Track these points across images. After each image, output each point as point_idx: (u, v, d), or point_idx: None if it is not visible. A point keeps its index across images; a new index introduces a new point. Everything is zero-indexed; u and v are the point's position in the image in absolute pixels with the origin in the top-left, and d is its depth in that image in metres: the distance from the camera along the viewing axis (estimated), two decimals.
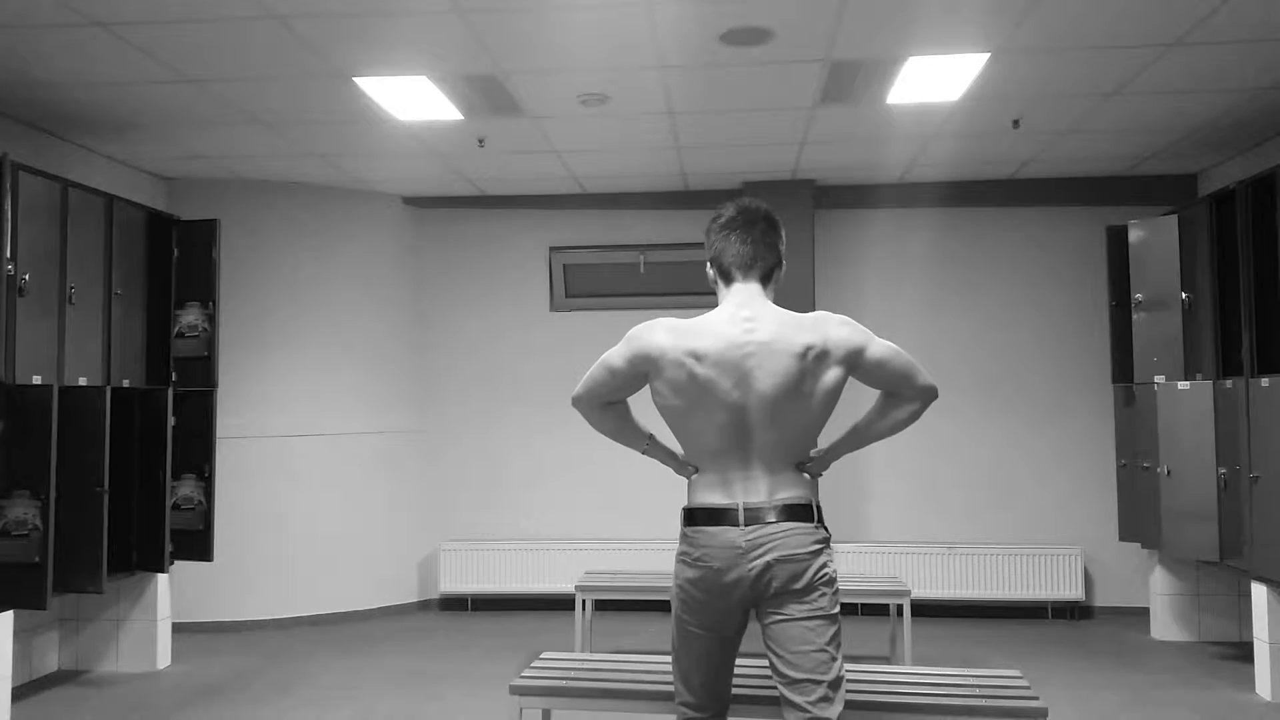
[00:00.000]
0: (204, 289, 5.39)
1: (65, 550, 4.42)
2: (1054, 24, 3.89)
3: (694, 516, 2.40)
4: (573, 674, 3.21)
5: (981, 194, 6.61)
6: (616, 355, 2.47)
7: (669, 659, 2.55)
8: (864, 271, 6.73)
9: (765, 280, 2.47)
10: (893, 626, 5.05)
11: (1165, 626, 5.85)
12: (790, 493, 2.36)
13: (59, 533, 4.35)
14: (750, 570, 2.31)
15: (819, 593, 2.32)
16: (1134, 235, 5.64)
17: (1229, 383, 4.97)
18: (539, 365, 6.88)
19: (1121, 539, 6.03)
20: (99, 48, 4.05)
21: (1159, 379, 5.42)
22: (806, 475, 2.44)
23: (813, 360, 2.33)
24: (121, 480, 4.99)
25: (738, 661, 2.56)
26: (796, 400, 2.33)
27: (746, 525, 2.32)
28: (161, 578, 5.31)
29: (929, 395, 2.45)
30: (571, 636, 5.53)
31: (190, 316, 5.39)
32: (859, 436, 2.52)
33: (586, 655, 3.50)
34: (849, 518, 6.58)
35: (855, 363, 2.37)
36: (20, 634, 4.87)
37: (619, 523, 6.77)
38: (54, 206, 4.54)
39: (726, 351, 2.33)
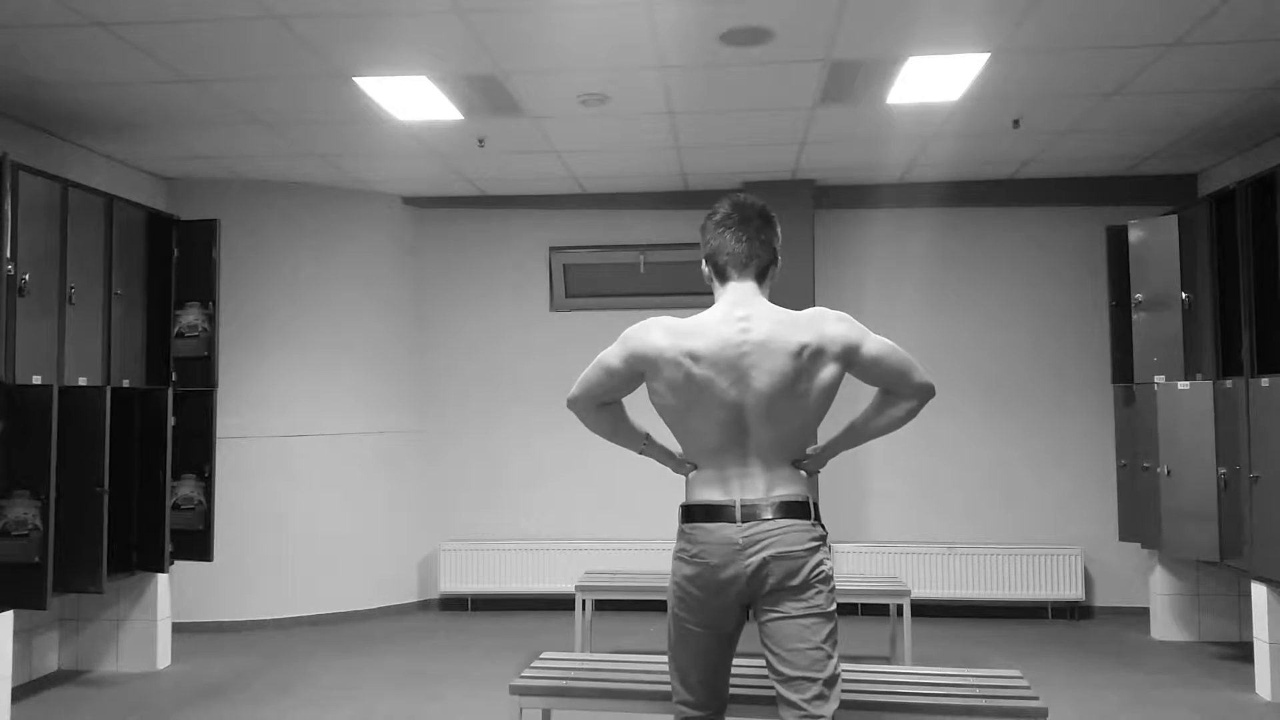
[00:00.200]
0: (204, 289, 5.39)
1: (65, 550, 4.42)
2: (1054, 24, 3.89)
3: (691, 513, 2.40)
4: (573, 674, 3.21)
5: (981, 194, 6.61)
6: (612, 356, 2.47)
7: (667, 662, 2.55)
8: (864, 271, 6.73)
9: (761, 278, 2.47)
10: (893, 626, 5.05)
11: (1165, 626, 5.85)
12: (787, 490, 2.37)
13: (59, 533, 4.35)
14: (747, 566, 2.31)
15: (815, 590, 2.32)
16: (1134, 235, 5.64)
17: (1229, 383, 4.97)
18: (539, 365, 6.88)
19: (1121, 539, 6.03)
20: (99, 48, 4.05)
21: (1159, 379, 5.42)
22: (803, 473, 2.44)
23: (808, 358, 2.33)
24: (121, 480, 4.98)
25: (735, 661, 2.56)
26: (793, 398, 2.33)
27: (743, 521, 2.33)
28: (161, 578, 5.31)
29: (926, 393, 2.45)
30: (571, 636, 5.53)
31: (190, 316, 5.39)
32: (856, 434, 2.52)
33: (586, 655, 3.50)
34: (849, 517, 6.58)
35: (851, 360, 2.38)
36: (20, 634, 4.87)
37: (618, 523, 6.77)
38: (54, 206, 4.54)
39: (722, 351, 2.33)
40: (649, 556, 6.44)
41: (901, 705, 2.86)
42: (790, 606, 2.32)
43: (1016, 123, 5.18)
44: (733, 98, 4.80)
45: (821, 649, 2.30)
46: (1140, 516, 5.70)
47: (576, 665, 3.33)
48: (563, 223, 6.93)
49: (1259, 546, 4.65)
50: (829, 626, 2.33)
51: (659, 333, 2.40)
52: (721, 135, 5.44)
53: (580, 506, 6.84)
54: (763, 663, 2.43)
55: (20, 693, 4.80)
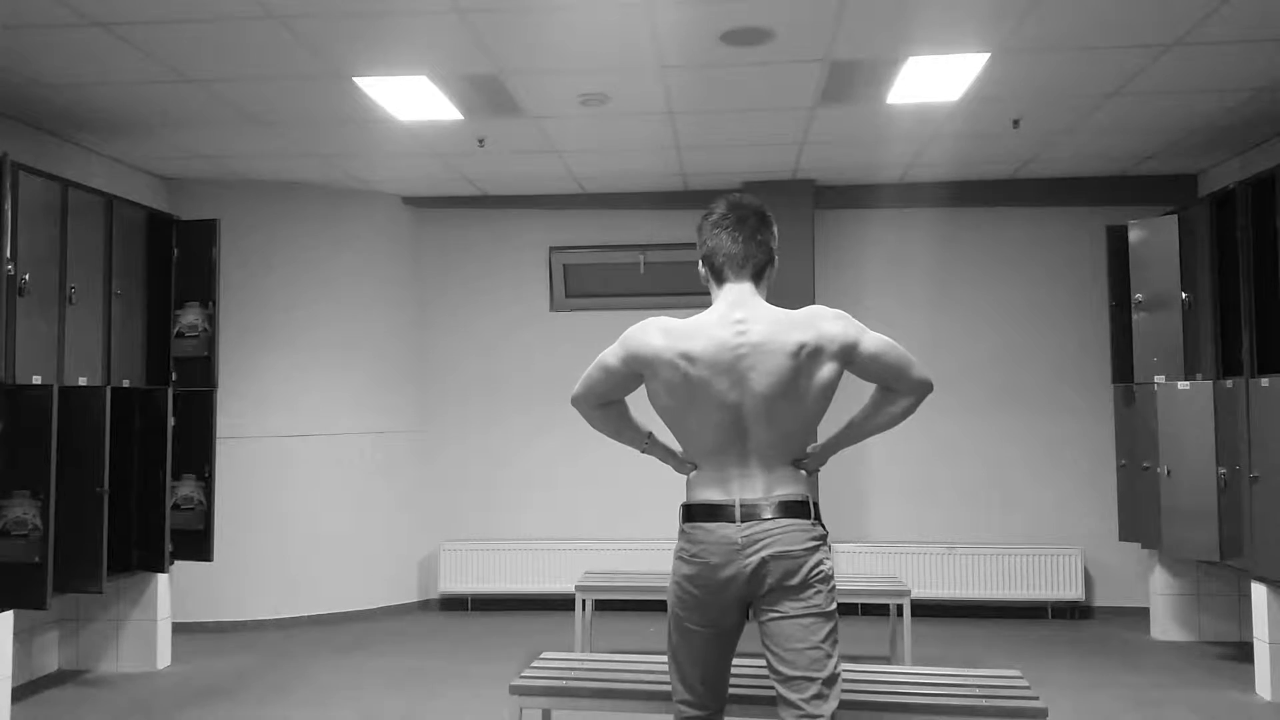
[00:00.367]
0: (204, 289, 5.39)
1: (65, 550, 4.42)
2: (1054, 24, 3.89)
3: (692, 513, 2.41)
4: (573, 674, 3.21)
5: (981, 194, 6.61)
6: (611, 355, 2.48)
7: (666, 662, 2.55)
8: (864, 271, 6.73)
9: (758, 278, 2.46)
10: (893, 626, 5.05)
11: (1165, 626, 5.85)
12: (787, 490, 2.37)
13: (59, 533, 4.35)
14: (746, 566, 2.32)
15: (814, 589, 2.33)
16: (1134, 235, 5.64)
17: (1229, 383, 4.97)
18: (539, 365, 6.88)
19: (1121, 539, 6.03)
20: (99, 48, 4.05)
21: (1159, 379, 5.42)
22: (803, 472, 2.44)
23: (806, 357, 2.33)
24: (121, 480, 4.99)
25: (735, 661, 2.56)
26: (791, 398, 2.33)
27: (743, 521, 2.33)
28: (161, 578, 5.31)
29: (924, 389, 2.45)
30: (571, 636, 5.53)
31: (190, 316, 5.39)
32: (855, 431, 2.53)
33: (586, 655, 3.50)
34: (849, 518, 6.58)
35: (849, 358, 2.38)
36: (20, 634, 4.87)
37: (619, 523, 6.77)
38: (54, 206, 4.54)
39: (719, 354, 2.33)
40: (649, 556, 6.44)
41: (901, 705, 2.86)
42: (789, 606, 2.32)
43: (1016, 123, 5.18)
44: (733, 98, 4.80)
45: (821, 648, 2.30)
46: (1140, 516, 5.71)
47: (576, 665, 3.33)
48: (563, 223, 6.93)
49: (1259, 546, 4.65)
50: (828, 626, 2.33)
51: (656, 334, 2.40)
52: (721, 135, 5.44)
53: (580, 506, 6.84)
54: (762, 663, 2.43)
55: (20, 693, 4.80)
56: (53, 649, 5.27)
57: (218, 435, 5.50)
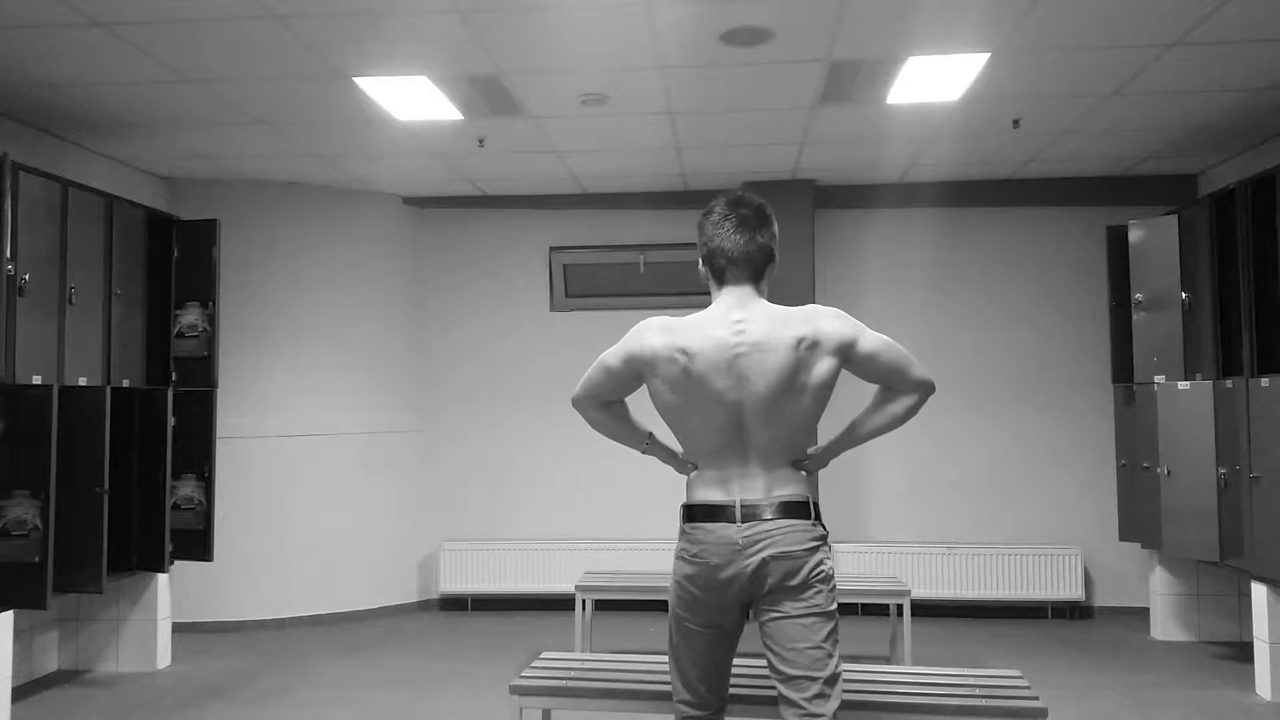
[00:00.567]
0: (204, 289, 5.39)
1: (65, 550, 4.42)
2: (1054, 24, 3.89)
3: (692, 513, 2.41)
4: (573, 674, 3.21)
5: (981, 194, 6.61)
6: (612, 355, 2.49)
7: (667, 662, 2.55)
8: (864, 271, 6.73)
9: (758, 277, 2.46)
10: (893, 626, 5.05)
11: (1165, 626, 5.85)
12: (787, 490, 2.37)
13: (59, 533, 4.35)
14: (746, 567, 2.32)
15: (815, 589, 2.33)
16: (1134, 235, 5.64)
17: (1229, 383, 4.97)
18: (539, 365, 6.88)
19: (1121, 539, 6.03)
20: (99, 48, 4.05)
21: (1159, 379, 5.42)
22: (804, 472, 2.44)
23: (805, 351, 2.33)
24: (121, 480, 4.99)
25: (735, 661, 2.56)
26: (791, 394, 2.33)
27: (743, 522, 2.33)
28: (161, 578, 5.32)
29: (926, 388, 2.45)
30: (571, 636, 5.53)
31: (190, 316, 5.39)
32: (856, 432, 2.52)
33: (586, 655, 3.50)
34: (849, 518, 6.58)
35: (848, 355, 2.38)
36: (20, 634, 4.87)
37: (619, 523, 6.77)
38: (54, 206, 4.54)
39: (718, 352, 2.34)
40: (649, 556, 6.44)
41: (901, 705, 2.87)
42: (790, 606, 2.32)
43: (1016, 123, 5.18)
44: (733, 98, 4.80)
45: (822, 648, 2.30)
46: (1140, 516, 5.71)
47: (576, 665, 3.33)
48: (563, 223, 6.93)
49: (1259, 546, 4.65)
50: (829, 626, 2.33)
51: (655, 332, 2.41)
52: (721, 135, 5.44)
53: (580, 506, 6.84)
54: (762, 663, 2.43)
55: (20, 693, 4.80)
56: (53, 649, 5.27)
57: (218, 435, 5.50)
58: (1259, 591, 4.70)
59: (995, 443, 6.60)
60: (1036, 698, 2.88)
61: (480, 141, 5.48)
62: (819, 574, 2.34)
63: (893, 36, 4.03)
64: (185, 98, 4.70)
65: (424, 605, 6.88)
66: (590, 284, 6.94)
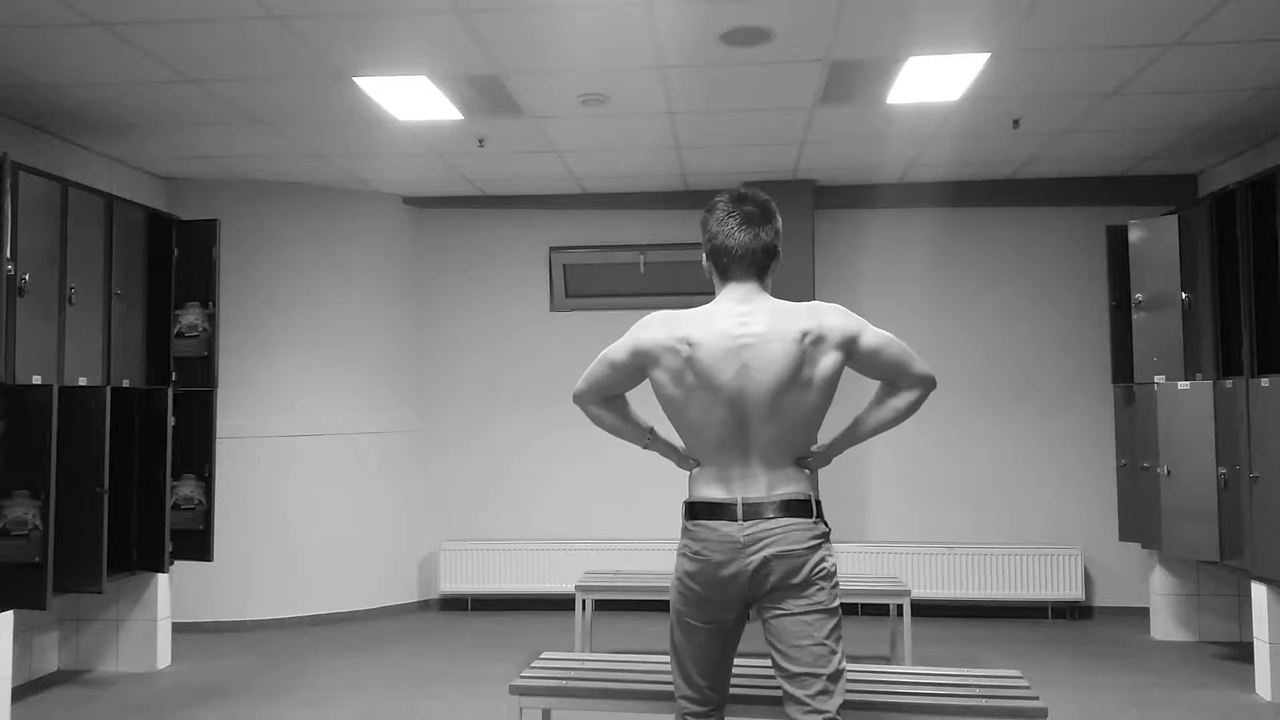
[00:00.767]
0: (204, 289, 5.39)
1: (65, 550, 4.42)
2: (1054, 24, 3.89)
3: (694, 510, 2.41)
4: (573, 674, 3.22)
5: (981, 194, 6.61)
6: (616, 350, 2.49)
7: (669, 659, 2.56)
8: (864, 271, 6.73)
9: (762, 273, 2.46)
10: (893, 626, 5.05)
11: (1165, 626, 5.85)
12: (789, 488, 2.37)
13: (59, 533, 4.35)
14: (748, 565, 2.32)
15: (817, 587, 2.33)
16: (1134, 235, 5.64)
17: (1229, 383, 4.97)
18: (539, 365, 6.88)
19: (1121, 539, 6.03)
20: (99, 48, 4.05)
21: (1159, 379, 5.42)
22: (807, 470, 2.44)
23: (810, 344, 2.33)
24: (121, 480, 4.99)
25: (736, 661, 2.56)
26: (795, 388, 2.33)
27: (745, 520, 2.33)
28: (161, 578, 5.31)
29: (927, 383, 2.45)
30: (571, 636, 5.53)
31: (190, 316, 5.39)
32: (859, 428, 2.52)
33: (586, 655, 3.51)
34: (849, 518, 6.58)
35: (851, 350, 2.38)
36: (20, 634, 4.87)
37: (619, 523, 6.77)
38: (54, 206, 4.54)
39: (721, 341, 2.34)
40: (649, 556, 6.45)
41: (901, 705, 2.87)
42: (793, 604, 2.32)
43: (1016, 123, 5.18)
44: (733, 98, 4.80)
45: (825, 645, 2.31)
46: (1140, 516, 5.70)
47: (576, 665, 3.33)
48: (563, 223, 6.93)
49: (1259, 546, 4.65)
50: (832, 622, 2.34)
51: (658, 324, 2.43)
52: (721, 135, 5.44)
53: (580, 506, 6.84)
54: (762, 662, 2.44)
55: (20, 693, 4.80)
56: (53, 649, 5.27)
57: (218, 435, 5.50)
58: (1259, 591, 4.70)
59: (995, 443, 6.60)
60: (1036, 698, 2.89)
61: (480, 141, 5.48)
62: (821, 571, 2.34)
63: (893, 36, 4.03)
64: (185, 98, 4.70)
65: (424, 605, 6.88)
66: (590, 284, 6.94)
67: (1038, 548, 6.36)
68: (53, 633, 5.26)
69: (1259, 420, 4.66)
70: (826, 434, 2.57)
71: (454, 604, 6.84)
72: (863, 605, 6.15)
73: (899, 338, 2.48)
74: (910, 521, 6.62)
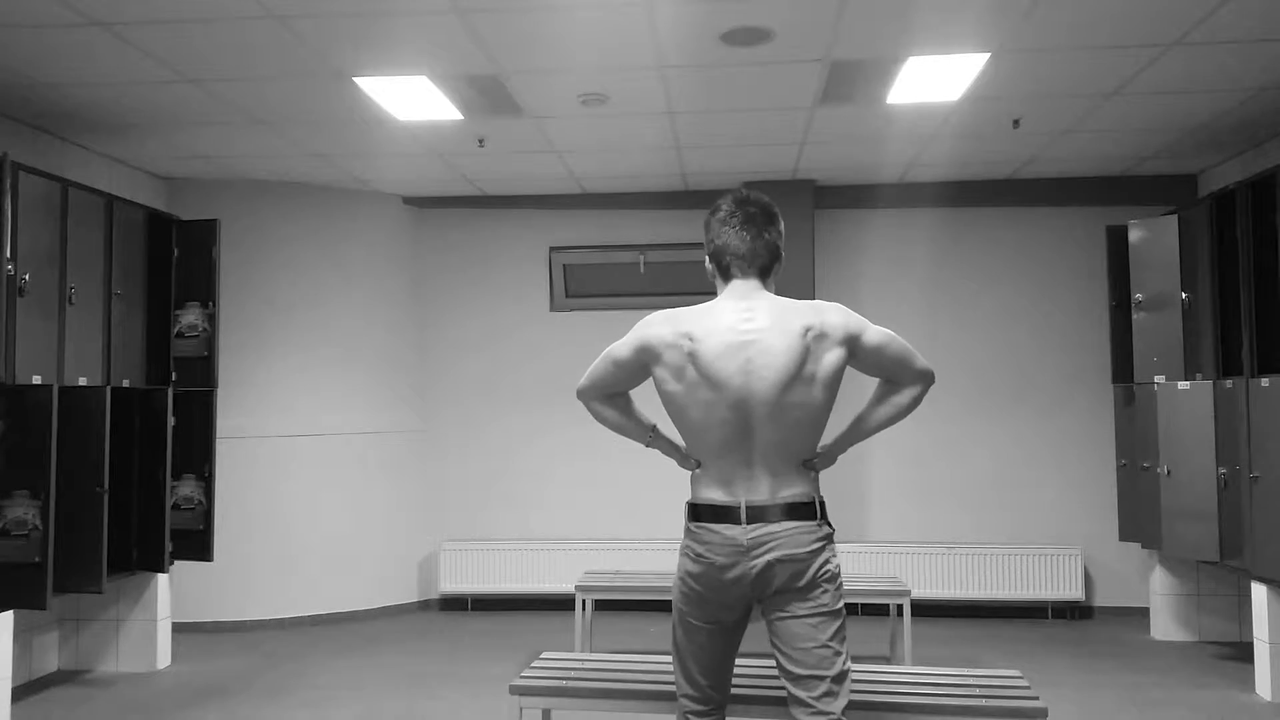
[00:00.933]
0: (204, 289, 5.39)
1: (65, 550, 4.42)
2: (1054, 24, 3.89)
3: (698, 512, 2.41)
4: (573, 674, 3.21)
5: (981, 194, 6.61)
6: (620, 347, 2.50)
7: (669, 659, 2.56)
8: (864, 271, 6.73)
9: (764, 275, 2.47)
10: (893, 626, 5.05)
11: (1165, 626, 5.85)
12: (793, 491, 2.37)
13: (59, 533, 4.35)
14: (752, 568, 2.32)
15: (821, 589, 2.33)
16: (1134, 235, 5.64)
17: (1229, 383, 4.97)
18: (539, 365, 6.88)
19: (1121, 539, 6.03)
20: (99, 48, 4.05)
21: (1159, 379, 5.42)
22: (811, 471, 2.43)
23: (813, 340, 2.34)
24: (121, 480, 4.98)
25: (738, 661, 2.56)
26: (799, 385, 2.32)
27: (749, 523, 2.33)
28: (161, 578, 5.31)
29: (927, 379, 2.47)
30: (571, 636, 5.53)
31: (190, 316, 5.39)
32: (862, 426, 2.53)
33: (586, 655, 3.50)
34: (849, 518, 6.58)
35: (853, 347, 2.39)
36: (20, 634, 4.87)
37: (619, 523, 6.77)
38: (54, 206, 4.54)
39: (723, 337, 2.34)
40: (649, 556, 6.44)
41: (901, 705, 2.87)
42: (797, 606, 2.33)
43: (1016, 123, 5.18)
44: (733, 98, 4.80)
45: (829, 646, 2.31)
46: (1140, 516, 5.70)
47: (576, 665, 3.33)
48: (563, 223, 6.93)
49: (1259, 546, 4.65)
50: (836, 624, 2.34)
51: (661, 321, 2.44)
52: (721, 135, 5.44)
53: (580, 506, 6.83)
54: (764, 662, 2.44)
55: (20, 693, 4.80)
56: (53, 649, 5.27)
57: (218, 435, 5.50)
58: (1259, 591, 4.70)
59: (995, 443, 6.60)
60: (1036, 698, 2.89)
61: (480, 141, 5.48)
62: (825, 574, 2.34)
63: (893, 36, 4.03)
64: (185, 98, 4.70)
65: (424, 605, 6.88)
66: (590, 284, 6.94)
67: (1038, 548, 6.36)
68: (53, 633, 5.26)
69: (1259, 420, 4.66)
70: (827, 435, 2.56)
71: (454, 604, 6.84)
72: (863, 605, 6.14)
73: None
74: (910, 521, 6.62)
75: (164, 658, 5.36)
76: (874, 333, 2.42)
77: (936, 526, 6.59)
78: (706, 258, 2.54)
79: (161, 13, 3.70)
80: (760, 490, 2.35)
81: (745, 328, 2.35)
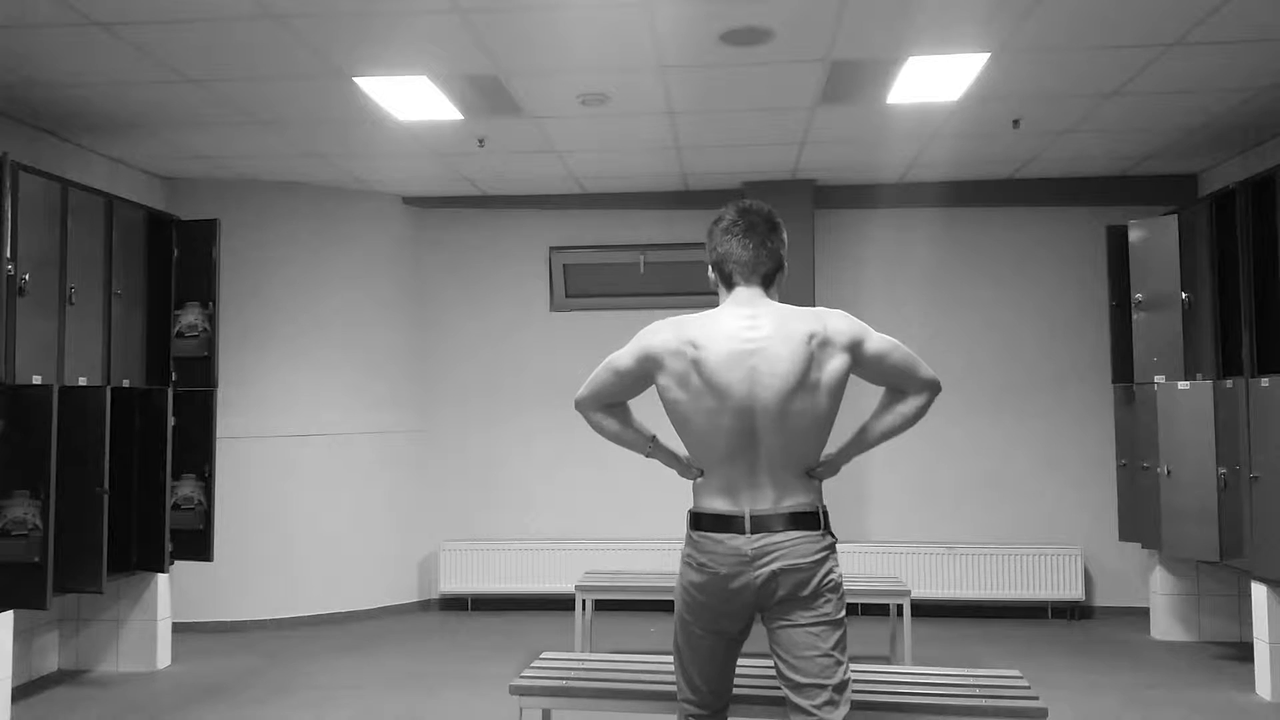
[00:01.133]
0: (204, 289, 5.39)
1: (65, 550, 4.42)
2: (1054, 24, 3.89)
3: (700, 521, 2.40)
4: (573, 674, 3.22)
5: (981, 194, 6.61)
6: (622, 356, 2.47)
7: (670, 659, 2.56)
8: (864, 271, 6.73)
9: (767, 284, 2.46)
10: (893, 626, 5.06)
11: (1165, 626, 5.85)
12: (797, 500, 2.35)
13: (59, 533, 4.35)
14: (756, 578, 2.31)
15: (824, 599, 2.33)
16: (1134, 235, 5.64)
17: (1229, 383, 4.97)
18: (539, 365, 6.88)
19: (1121, 539, 6.03)
20: (99, 48, 4.05)
21: (1159, 379, 5.42)
22: (816, 480, 2.42)
23: (817, 346, 2.33)
24: (121, 480, 4.99)
25: (739, 662, 2.56)
26: (803, 393, 2.31)
27: (753, 533, 2.32)
28: (161, 578, 5.31)
29: (934, 388, 2.45)
30: (571, 636, 5.53)
31: (190, 316, 5.39)
32: (867, 435, 2.51)
33: (586, 655, 3.50)
34: (849, 518, 6.58)
35: (857, 354, 2.38)
36: (20, 634, 4.87)
37: (619, 523, 6.77)
38: (54, 206, 4.54)
39: (727, 344, 2.33)
40: (649, 556, 6.44)
41: (901, 705, 2.87)
42: (800, 615, 2.32)
43: (1016, 123, 5.18)
44: (733, 98, 4.80)
45: (831, 655, 2.31)
46: (1140, 516, 5.70)
47: (576, 665, 3.33)
48: (563, 223, 6.93)
49: (1259, 546, 4.65)
50: (838, 633, 2.34)
51: (665, 328, 2.42)
52: (721, 135, 5.44)
53: (580, 506, 6.84)
54: (764, 663, 2.44)
55: (20, 693, 4.80)
56: (53, 649, 5.27)
57: (218, 435, 5.50)
58: (1259, 591, 4.70)
59: (995, 442, 6.60)
60: (1036, 698, 2.89)
61: (480, 141, 5.48)
62: (829, 583, 2.34)
63: (893, 36, 4.03)
64: (185, 98, 4.70)
65: (424, 605, 6.88)
66: (590, 284, 6.94)
67: (1038, 548, 6.36)
68: (53, 633, 5.26)
69: (1259, 420, 4.66)
70: (831, 444, 2.56)
71: (454, 604, 6.84)
72: (863, 605, 6.14)
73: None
74: (910, 522, 6.62)
75: (164, 658, 5.36)
76: (877, 340, 2.41)
77: (936, 526, 6.59)
78: (709, 266, 2.53)
79: (161, 13, 3.70)
80: (764, 499, 2.34)
81: (749, 335, 2.34)
